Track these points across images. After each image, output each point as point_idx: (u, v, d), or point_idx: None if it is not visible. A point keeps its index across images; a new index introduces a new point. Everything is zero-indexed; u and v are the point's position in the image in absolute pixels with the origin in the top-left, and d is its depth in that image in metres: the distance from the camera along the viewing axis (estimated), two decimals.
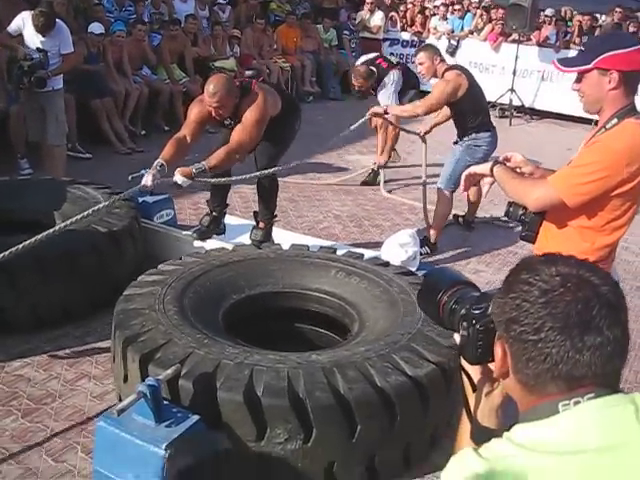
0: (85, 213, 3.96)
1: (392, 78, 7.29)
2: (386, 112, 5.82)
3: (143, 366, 2.90)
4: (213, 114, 4.51)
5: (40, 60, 6.22)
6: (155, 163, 4.30)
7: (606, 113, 2.55)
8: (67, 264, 4.21)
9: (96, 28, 8.30)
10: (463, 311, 1.43)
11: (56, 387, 3.67)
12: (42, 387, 3.67)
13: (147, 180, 4.23)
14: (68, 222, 3.93)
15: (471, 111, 5.65)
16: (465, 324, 1.40)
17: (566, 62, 2.65)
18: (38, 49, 6.27)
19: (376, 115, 5.79)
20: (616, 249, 2.77)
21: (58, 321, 4.21)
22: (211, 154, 4.49)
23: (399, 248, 4.32)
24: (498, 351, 1.26)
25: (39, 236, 3.75)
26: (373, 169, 7.73)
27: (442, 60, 5.79)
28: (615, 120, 2.52)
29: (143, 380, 2.76)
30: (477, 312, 1.39)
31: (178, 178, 4.26)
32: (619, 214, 2.59)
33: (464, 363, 1.48)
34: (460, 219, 6.51)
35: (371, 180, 7.65)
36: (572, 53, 11.34)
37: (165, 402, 2.65)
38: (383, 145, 7.78)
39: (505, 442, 1.16)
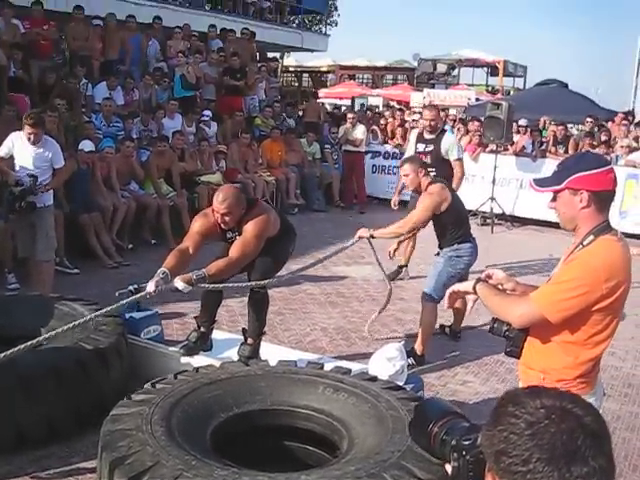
0: (68, 326, 3.98)
1: None
2: (372, 236, 5.76)
3: None
4: (219, 221, 4.68)
5: (30, 186, 6.35)
6: (159, 271, 4.40)
7: (582, 230, 2.65)
8: (52, 381, 4.19)
9: (87, 145, 8.54)
10: (453, 442, 1.46)
11: None
12: None
13: (150, 287, 4.32)
14: (47, 335, 3.95)
15: (453, 223, 5.80)
16: (456, 455, 1.43)
17: (540, 182, 2.76)
18: (29, 174, 6.40)
19: (362, 238, 5.84)
20: (600, 361, 2.80)
21: (42, 440, 4.14)
22: (209, 264, 4.61)
23: (386, 362, 4.32)
24: None
25: (17, 348, 3.76)
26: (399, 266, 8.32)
27: (426, 173, 5.99)
28: (592, 237, 2.61)
29: None
30: (467, 443, 1.43)
31: (179, 284, 4.34)
32: (601, 328, 2.64)
33: None
34: (447, 329, 6.54)
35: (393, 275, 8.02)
36: (548, 162, 11.71)
37: None
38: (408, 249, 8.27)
39: None
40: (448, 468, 1.49)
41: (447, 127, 13.91)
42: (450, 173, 7.97)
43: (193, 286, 4.40)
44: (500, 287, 2.81)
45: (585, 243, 2.63)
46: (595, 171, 2.58)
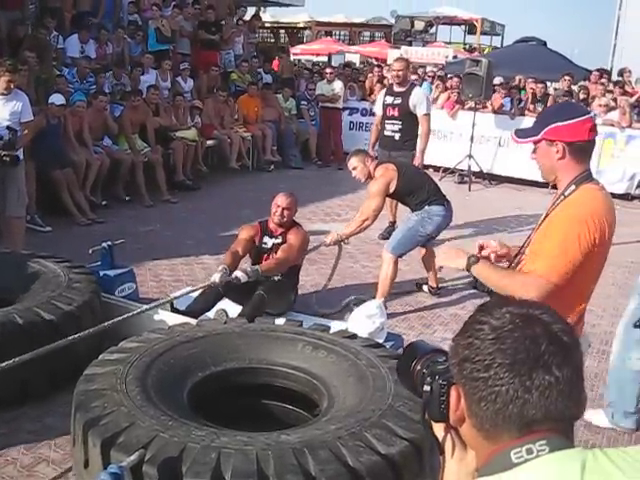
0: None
1: None
2: (344, 241, 6.06)
3: (105, 451, 2.76)
4: (278, 214, 5.40)
5: (10, 139, 6.15)
6: (220, 267, 5.13)
7: (563, 182, 2.61)
8: (24, 341, 4.08)
9: (57, 99, 8.27)
10: (427, 370, 1.43)
11: (12, 473, 3.49)
12: None
13: (216, 278, 4.98)
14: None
15: (410, 194, 5.89)
16: (429, 379, 1.40)
17: (520, 133, 2.73)
18: (7, 127, 6.19)
19: (335, 243, 6.07)
20: (584, 313, 2.76)
21: (14, 401, 4.04)
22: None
23: (366, 319, 4.27)
24: (453, 395, 1.27)
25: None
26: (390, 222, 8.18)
27: (372, 159, 6.10)
28: (573, 187, 2.57)
29: (105, 466, 2.64)
30: (440, 367, 1.40)
31: (239, 273, 4.99)
32: (587, 278, 2.60)
33: (433, 424, 1.44)
34: (423, 287, 6.51)
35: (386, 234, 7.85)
36: (526, 120, 11.63)
37: None
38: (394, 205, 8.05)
39: None
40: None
41: (425, 83, 13.87)
42: (417, 128, 7.91)
43: (249, 277, 4.99)
44: (493, 255, 2.74)
45: (567, 194, 2.58)
46: (570, 121, 2.52)
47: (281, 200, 5.44)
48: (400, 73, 7.87)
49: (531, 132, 2.63)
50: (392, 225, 8.16)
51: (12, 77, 6.22)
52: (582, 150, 2.57)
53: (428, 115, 8.00)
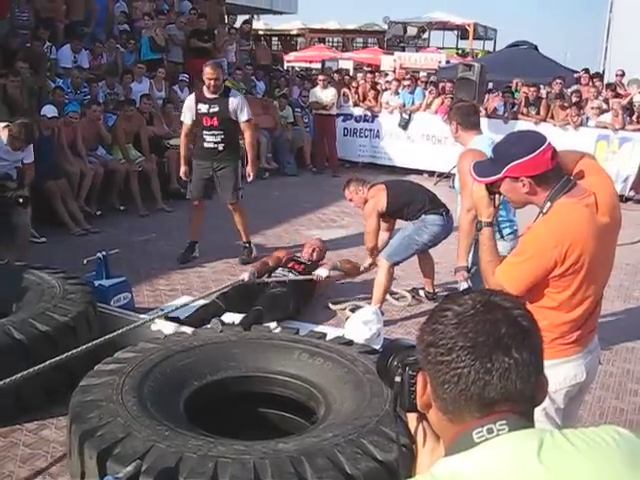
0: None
1: None
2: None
3: (101, 463, 2.75)
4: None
5: (19, 179, 6.16)
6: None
7: (539, 202, 2.58)
8: (20, 353, 4.06)
9: (49, 111, 8.25)
10: (399, 362, 1.47)
11: None
12: None
13: (244, 276, 5.69)
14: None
15: (403, 207, 5.93)
16: (399, 370, 1.45)
17: (480, 171, 2.67)
18: (16, 167, 6.20)
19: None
20: (584, 327, 2.72)
21: (10, 414, 4.02)
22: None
23: (362, 326, 4.27)
24: (420, 381, 1.32)
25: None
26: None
27: (365, 184, 6.16)
28: (549, 203, 2.53)
29: (101, 478, 2.63)
30: (411, 359, 1.44)
31: (245, 275, 5.67)
32: (571, 292, 2.56)
33: (403, 415, 1.49)
34: (420, 292, 6.50)
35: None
36: (519, 124, 11.65)
37: None
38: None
39: (427, 476, 1.19)
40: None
41: (418, 88, 13.86)
42: (239, 136, 7.35)
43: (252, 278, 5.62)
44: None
45: (544, 211, 2.56)
46: (529, 157, 2.48)
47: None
48: (217, 82, 7.09)
49: (492, 170, 2.58)
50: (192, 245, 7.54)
51: (24, 146, 6.33)
52: (549, 176, 2.52)
53: (251, 121, 7.36)
